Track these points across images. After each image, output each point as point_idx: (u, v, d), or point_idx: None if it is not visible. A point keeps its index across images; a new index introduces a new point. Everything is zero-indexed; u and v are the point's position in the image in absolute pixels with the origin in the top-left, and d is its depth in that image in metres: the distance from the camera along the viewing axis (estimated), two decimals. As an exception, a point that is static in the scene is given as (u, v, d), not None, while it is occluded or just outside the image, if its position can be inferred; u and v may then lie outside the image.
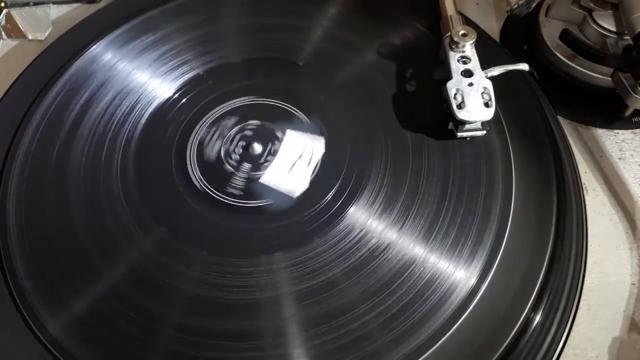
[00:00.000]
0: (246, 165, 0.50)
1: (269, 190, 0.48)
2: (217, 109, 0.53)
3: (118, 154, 0.51)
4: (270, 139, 0.51)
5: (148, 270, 0.45)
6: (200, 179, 0.49)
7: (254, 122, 0.52)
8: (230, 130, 0.51)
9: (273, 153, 0.51)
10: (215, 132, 0.50)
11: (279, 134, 0.51)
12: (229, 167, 0.50)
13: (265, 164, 0.50)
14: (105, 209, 0.48)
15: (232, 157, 0.50)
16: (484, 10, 0.66)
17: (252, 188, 0.49)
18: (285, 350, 0.41)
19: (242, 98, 0.53)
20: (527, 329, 0.42)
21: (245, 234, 0.47)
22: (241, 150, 0.50)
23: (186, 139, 0.51)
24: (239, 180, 0.49)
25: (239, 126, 0.51)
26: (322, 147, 0.50)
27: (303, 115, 0.52)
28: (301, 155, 0.49)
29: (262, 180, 0.49)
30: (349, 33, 0.57)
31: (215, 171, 0.49)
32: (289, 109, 0.53)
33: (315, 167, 0.49)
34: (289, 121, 0.52)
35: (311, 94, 0.54)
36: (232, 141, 0.51)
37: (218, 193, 0.48)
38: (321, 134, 0.51)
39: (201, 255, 0.45)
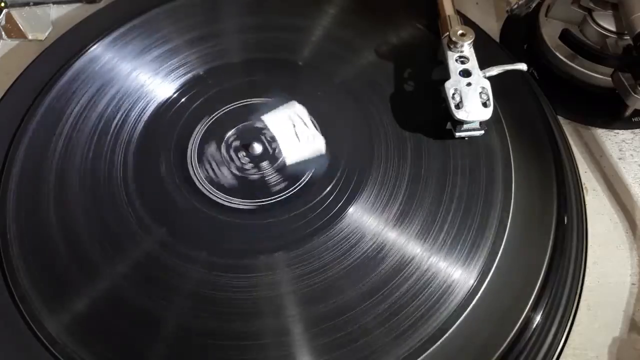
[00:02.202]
0: (264, 164, 0.50)
1: (301, 165, 0.49)
2: (217, 108, 0.53)
3: (118, 153, 0.51)
4: (258, 133, 0.51)
5: (148, 270, 0.45)
6: (201, 179, 0.49)
7: (230, 133, 0.52)
8: (221, 154, 0.51)
9: (272, 139, 0.51)
10: (211, 164, 0.50)
11: (259, 125, 0.52)
12: (254, 176, 0.49)
13: (276, 151, 0.50)
14: (105, 208, 0.48)
15: (248, 168, 0.50)
16: (484, 10, 0.66)
17: (288, 174, 0.49)
18: (286, 350, 0.41)
19: (242, 98, 0.53)
20: (527, 329, 0.42)
21: (246, 234, 0.47)
22: (248, 159, 0.50)
23: (187, 139, 0.51)
24: (273, 178, 0.49)
25: (223, 145, 0.51)
26: (300, 106, 0.51)
27: (263, 98, 0.53)
28: (294, 124, 0.49)
29: (288, 162, 0.49)
30: (348, 33, 0.57)
31: (249, 187, 0.49)
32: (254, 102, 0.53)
33: (313, 122, 0.51)
34: (257, 110, 0.53)
35: (311, 93, 0.54)
36: (232, 159, 0.50)
37: (218, 193, 0.48)
38: (287, 98, 0.53)
39: (201, 255, 0.45)
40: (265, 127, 0.52)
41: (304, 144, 0.50)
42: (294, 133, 0.49)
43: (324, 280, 0.43)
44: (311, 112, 0.52)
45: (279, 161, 0.50)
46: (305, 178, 0.49)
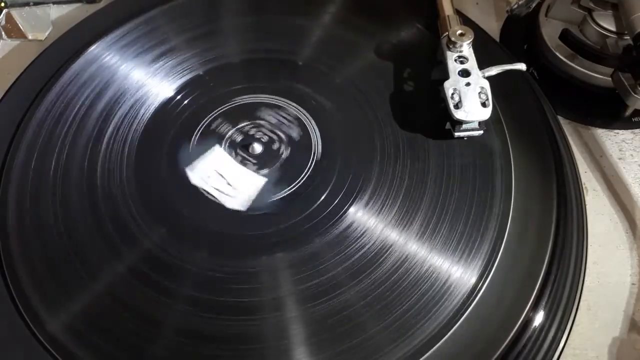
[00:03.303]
0: (277, 145, 0.51)
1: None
2: (217, 109, 0.53)
3: (118, 154, 0.51)
4: (251, 137, 0.51)
5: (148, 270, 0.45)
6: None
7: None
8: (238, 155, 0.50)
9: (267, 131, 0.51)
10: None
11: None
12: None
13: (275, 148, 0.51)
14: (106, 209, 0.48)
15: (277, 153, 0.50)
16: (484, 10, 0.66)
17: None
18: (286, 350, 0.41)
19: (242, 98, 0.54)
20: (527, 329, 0.42)
21: (246, 235, 0.47)
22: (261, 155, 0.50)
23: (187, 139, 0.51)
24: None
25: (229, 158, 0.51)
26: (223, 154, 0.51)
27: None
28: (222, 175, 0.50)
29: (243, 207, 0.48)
30: (348, 33, 0.57)
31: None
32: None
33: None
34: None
35: (311, 93, 0.54)
36: (250, 160, 0.50)
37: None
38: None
39: (202, 255, 0.45)
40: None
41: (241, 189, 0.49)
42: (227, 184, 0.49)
43: (324, 280, 0.43)
44: (311, 111, 0.52)
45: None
46: (304, 177, 0.49)
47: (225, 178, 0.49)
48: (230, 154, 0.51)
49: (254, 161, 0.50)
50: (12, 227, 0.47)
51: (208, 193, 0.48)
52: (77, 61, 0.56)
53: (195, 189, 0.49)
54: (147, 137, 0.52)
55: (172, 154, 0.51)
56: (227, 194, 0.48)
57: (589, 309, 0.48)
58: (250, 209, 0.48)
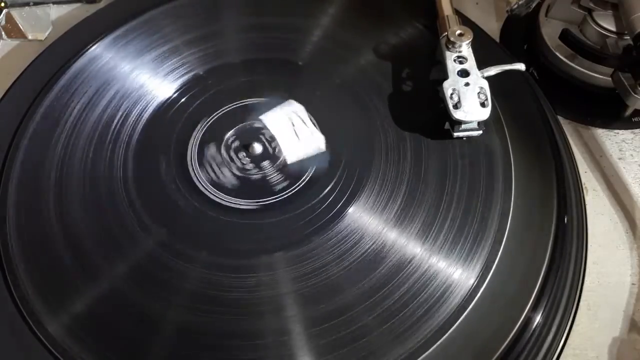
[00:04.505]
0: (265, 163, 0.50)
1: (302, 163, 0.50)
2: (217, 108, 0.53)
3: (118, 154, 0.51)
4: (257, 133, 0.51)
5: (148, 270, 0.45)
6: (201, 179, 0.49)
7: (229, 133, 0.51)
8: (221, 155, 0.50)
9: (272, 139, 0.51)
10: (212, 166, 0.50)
11: (258, 125, 0.52)
12: (256, 176, 0.49)
13: (277, 150, 0.50)
14: (105, 209, 0.48)
15: (249, 168, 0.50)
16: (484, 10, 0.66)
17: (290, 173, 0.49)
18: (286, 350, 0.41)
19: (242, 98, 0.54)
20: (527, 329, 0.42)
21: (246, 234, 0.47)
22: (249, 159, 0.50)
23: (187, 138, 0.51)
24: (274, 178, 0.49)
25: (223, 146, 0.51)
26: (298, 105, 0.52)
27: (261, 98, 0.53)
28: (293, 123, 0.49)
29: (289, 160, 0.50)
30: (348, 33, 0.57)
31: (249, 187, 0.49)
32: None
33: (312, 120, 0.51)
34: (255, 110, 0.53)
35: (311, 93, 0.54)
36: (233, 160, 0.50)
37: (218, 193, 0.48)
38: (285, 97, 0.53)
39: (201, 255, 0.45)
40: (264, 127, 0.52)
41: (304, 142, 0.50)
42: (293, 132, 0.49)
43: (324, 280, 0.43)
44: (311, 111, 0.52)
45: (279, 160, 0.50)
46: (306, 178, 0.49)
47: (293, 127, 0.49)
48: (229, 152, 0.51)
49: (255, 160, 0.50)
50: (12, 227, 0.47)
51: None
52: (77, 61, 0.56)
53: (195, 189, 0.49)
54: (147, 137, 0.52)
55: (172, 153, 0.51)
56: (292, 139, 0.49)
57: (589, 309, 0.48)
58: (250, 208, 0.48)
